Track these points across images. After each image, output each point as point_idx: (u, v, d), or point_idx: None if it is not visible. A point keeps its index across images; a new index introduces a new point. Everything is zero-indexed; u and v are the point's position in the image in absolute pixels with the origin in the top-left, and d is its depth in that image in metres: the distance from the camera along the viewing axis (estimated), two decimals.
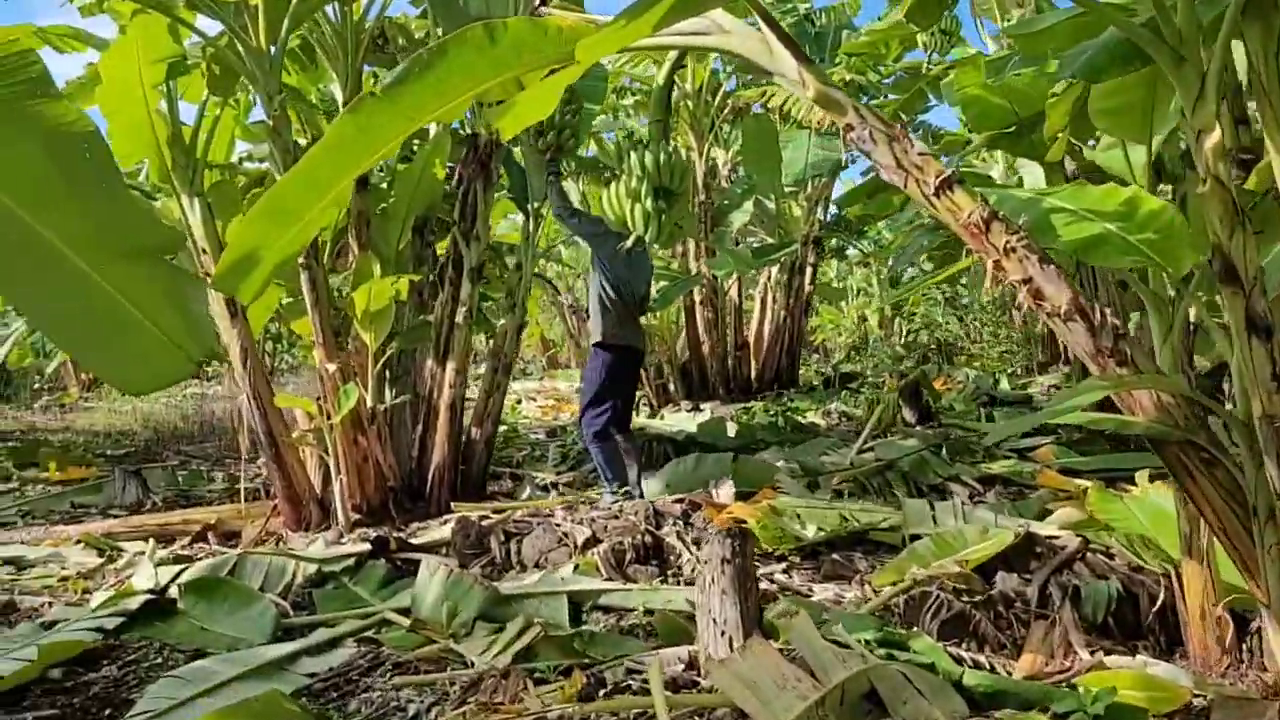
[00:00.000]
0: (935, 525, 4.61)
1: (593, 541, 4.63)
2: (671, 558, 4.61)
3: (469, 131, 6.18)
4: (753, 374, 11.64)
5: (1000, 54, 5.76)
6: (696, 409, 9.39)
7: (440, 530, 5.27)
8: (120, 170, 3.76)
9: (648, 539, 4.64)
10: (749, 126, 10.46)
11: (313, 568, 4.69)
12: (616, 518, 4.92)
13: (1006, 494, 5.45)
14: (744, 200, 10.90)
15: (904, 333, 21.45)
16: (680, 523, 4.87)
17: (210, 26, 5.40)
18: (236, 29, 5.21)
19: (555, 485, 7.06)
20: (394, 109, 2.62)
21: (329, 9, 5.79)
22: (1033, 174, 7.24)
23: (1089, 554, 3.76)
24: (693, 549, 4.61)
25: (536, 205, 6.68)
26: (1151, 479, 5.09)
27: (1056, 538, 4.00)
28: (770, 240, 11.03)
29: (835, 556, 4.37)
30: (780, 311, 11.67)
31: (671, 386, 12.01)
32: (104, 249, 3.22)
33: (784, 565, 4.40)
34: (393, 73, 2.52)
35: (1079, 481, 5.41)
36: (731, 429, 7.57)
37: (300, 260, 5.45)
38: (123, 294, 3.22)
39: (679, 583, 4.39)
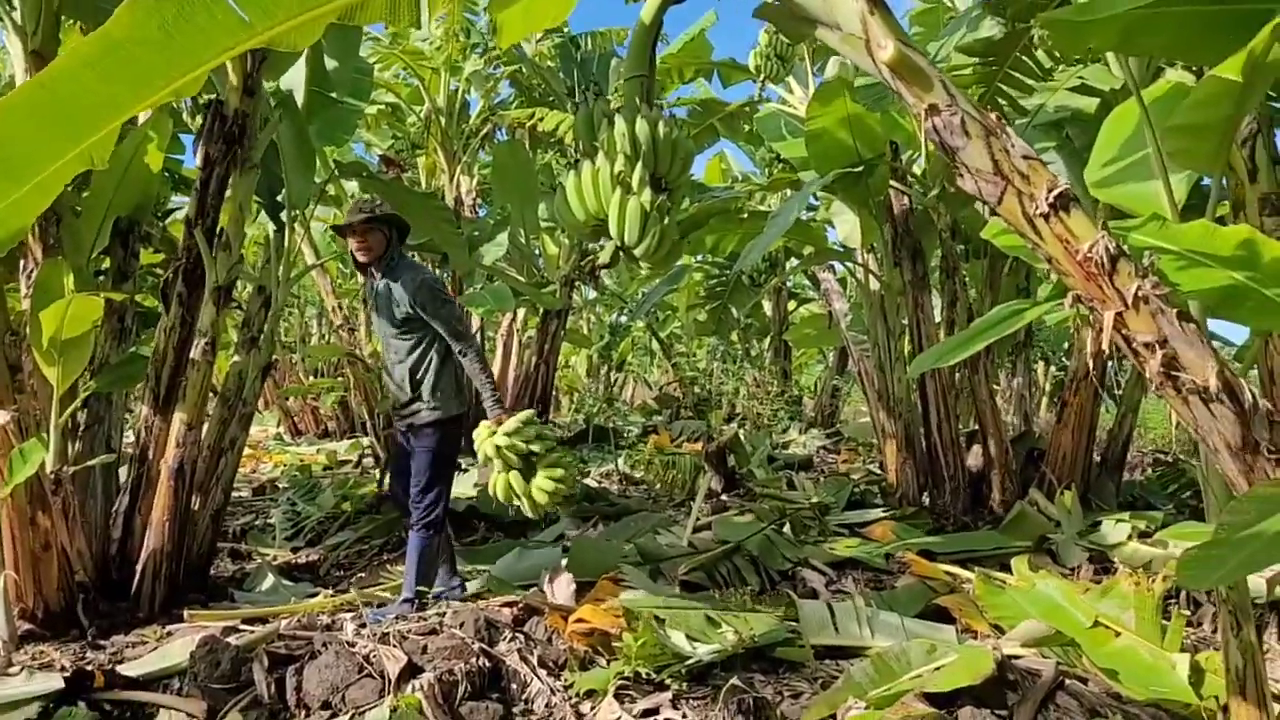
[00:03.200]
0: (837, 633, 3.82)
1: (410, 671, 3.37)
2: (514, 687, 3.47)
3: (211, 98, 4.70)
4: None
5: (870, 81, 5.24)
6: (459, 469, 8.12)
7: (166, 650, 3.75)
8: None
9: (483, 663, 3.46)
10: (501, 152, 9.49)
11: None
12: (436, 631, 3.68)
13: (866, 581, 4.80)
14: (496, 233, 9.83)
15: (612, 382, 21.17)
16: (519, 636, 3.72)
17: None
18: None
19: (297, 569, 5.58)
20: None
21: None
22: (847, 224, 6.85)
23: (1065, 680, 3.09)
24: (542, 675, 3.50)
25: (295, 212, 5.27)
26: (1033, 567, 4.64)
27: (1018, 657, 3.32)
28: (521, 279, 10.02)
29: (735, 681, 3.42)
30: (531, 358, 10.64)
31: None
32: None
33: (669, 694, 3.40)
34: None
35: (941, 567, 4.88)
36: None
37: None
38: None
39: None
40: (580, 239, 2.31)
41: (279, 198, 5.38)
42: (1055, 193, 1.99)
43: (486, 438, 3.95)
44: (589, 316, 20.27)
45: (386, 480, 5.97)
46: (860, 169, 5.63)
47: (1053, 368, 10.90)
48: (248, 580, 5.21)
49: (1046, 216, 2.01)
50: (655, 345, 19.31)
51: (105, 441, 4.95)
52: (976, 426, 6.44)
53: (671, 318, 19.26)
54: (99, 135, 1.97)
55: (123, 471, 4.96)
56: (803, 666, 3.62)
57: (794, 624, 4.02)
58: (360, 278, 6.27)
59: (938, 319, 6.50)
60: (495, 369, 11.39)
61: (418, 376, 4.31)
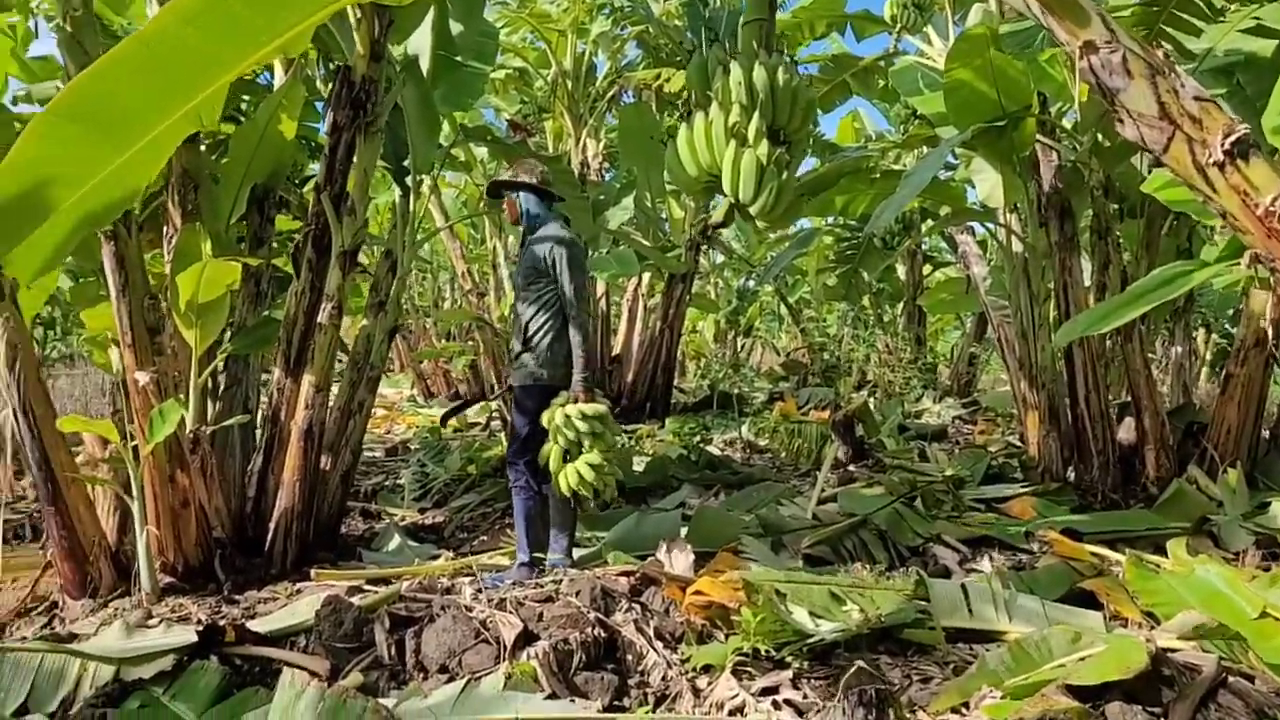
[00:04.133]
0: (970, 616, 3.61)
1: (525, 638, 3.34)
2: (630, 659, 3.40)
3: (338, 64, 4.71)
4: (624, 390, 10.49)
5: (1017, 27, 4.90)
6: None
7: (294, 607, 3.82)
8: None
9: (599, 633, 3.41)
10: (627, 115, 9.36)
11: (108, 671, 3.23)
12: (552, 599, 3.64)
13: (1003, 561, 4.54)
14: (622, 196, 9.76)
15: (739, 348, 20.92)
16: (635, 606, 3.65)
17: None
18: None
19: (423, 530, 5.67)
20: None
21: None
22: (987, 182, 6.48)
23: (1228, 676, 2.82)
24: (659, 647, 3.42)
25: (420, 177, 5.29)
26: (1191, 551, 4.30)
27: (1175, 650, 3.05)
28: (645, 243, 9.92)
29: (860, 663, 3.26)
30: (656, 322, 10.56)
31: None
32: None
33: (789, 673, 3.27)
34: None
35: (1087, 548, 4.57)
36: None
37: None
38: None
39: (645, 698, 3.20)
40: (693, 197, 2.15)
41: (404, 163, 5.41)
42: (1232, 138, 1.74)
43: (559, 406, 4.19)
44: (716, 281, 20.00)
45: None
46: (1004, 123, 5.27)
47: (1214, 335, 10.13)
48: (375, 540, 5.31)
49: (1221, 165, 1.76)
50: (784, 310, 18.98)
51: (243, 402, 5.11)
52: (1129, 398, 6.02)
53: (800, 282, 18.88)
54: (205, 93, 1.94)
55: (259, 432, 5.12)
56: (933, 650, 3.43)
57: (923, 604, 3.83)
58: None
59: (1086, 283, 6.07)
60: (620, 334, 11.38)
61: (530, 333, 4.38)
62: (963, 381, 13.20)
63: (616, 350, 11.07)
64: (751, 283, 19.38)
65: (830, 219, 12.71)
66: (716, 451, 7.13)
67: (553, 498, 4.40)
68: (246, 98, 6.36)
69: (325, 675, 3.29)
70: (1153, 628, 3.71)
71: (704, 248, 10.85)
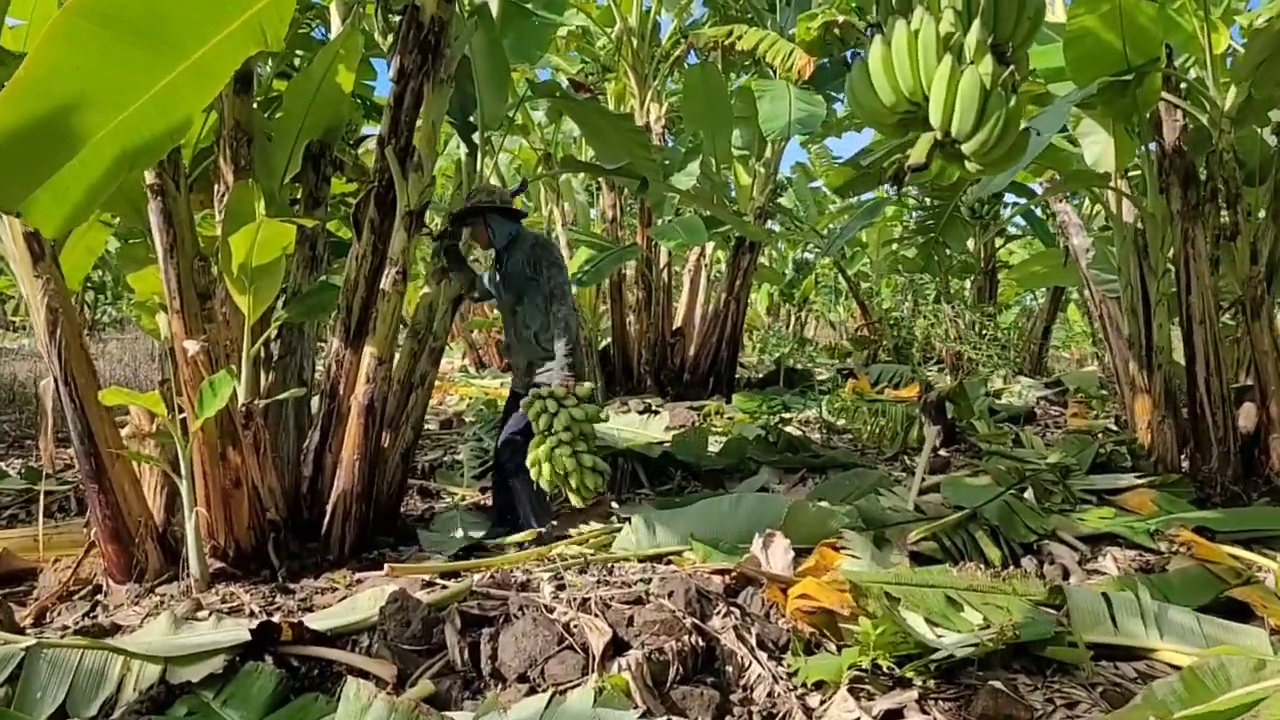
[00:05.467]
0: (1116, 630, 3.18)
1: (615, 645, 2.98)
2: (731, 670, 3.02)
3: (404, 4, 4.31)
4: (686, 364, 10.08)
5: None
6: (649, 409, 7.75)
7: (355, 600, 3.48)
8: None
9: (696, 640, 3.03)
10: (694, 76, 8.89)
11: (154, 671, 2.92)
12: (642, 600, 3.27)
13: (1129, 561, 4.09)
14: (688, 161, 9.30)
15: (792, 321, 20.39)
16: (734, 610, 3.26)
17: None
18: None
19: (485, 510, 5.33)
20: None
21: None
22: (1098, 145, 5.95)
23: None
24: (762, 658, 3.04)
25: (487, 134, 4.90)
26: None
27: None
28: (714, 209, 9.46)
29: (995, 683, 2.86)
30: (721, 294, 10.11)
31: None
32: None
33: (914, 692, 2.87)
34: None
35: (1224, 549, 4.11)
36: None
37: (149, 178, 3.54)
38: None
39: (750, 717, 2.83)
40: (882, 131, 1.72)
41: (471, 118, 5.03)
42: None
43: (545, 400, 4.40)
44: (770, 253, 19.46)
45: None
46: (1129, 77, 4.76)
47: None
48: (435, 520, 4.99)
49: None
50: (842, 283, 18.40)
51: (297, 374, 4.79)
52: (1249, 381, 5.50)
53: (860, 254, 18.28)
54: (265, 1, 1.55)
55: (314, 404, 4.81)
56: (1076, 670, 3.01)
57: (1053, 612, 3.41)
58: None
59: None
60: (682, 306, 10.95)
61: (545, 338, 4.66)
62: (1035, 360, 12.62)
63: (678, 323, 10.65)
64: (809, 254, 18.82)
65: (890, 190, 12.15)
66: (795, 432, 6.70)
67: (529, 489, 4.61)
68: (301, 53, 6.02)
69: (392, 681, 2.95)
70: None
71: (769, 215, 10.33)
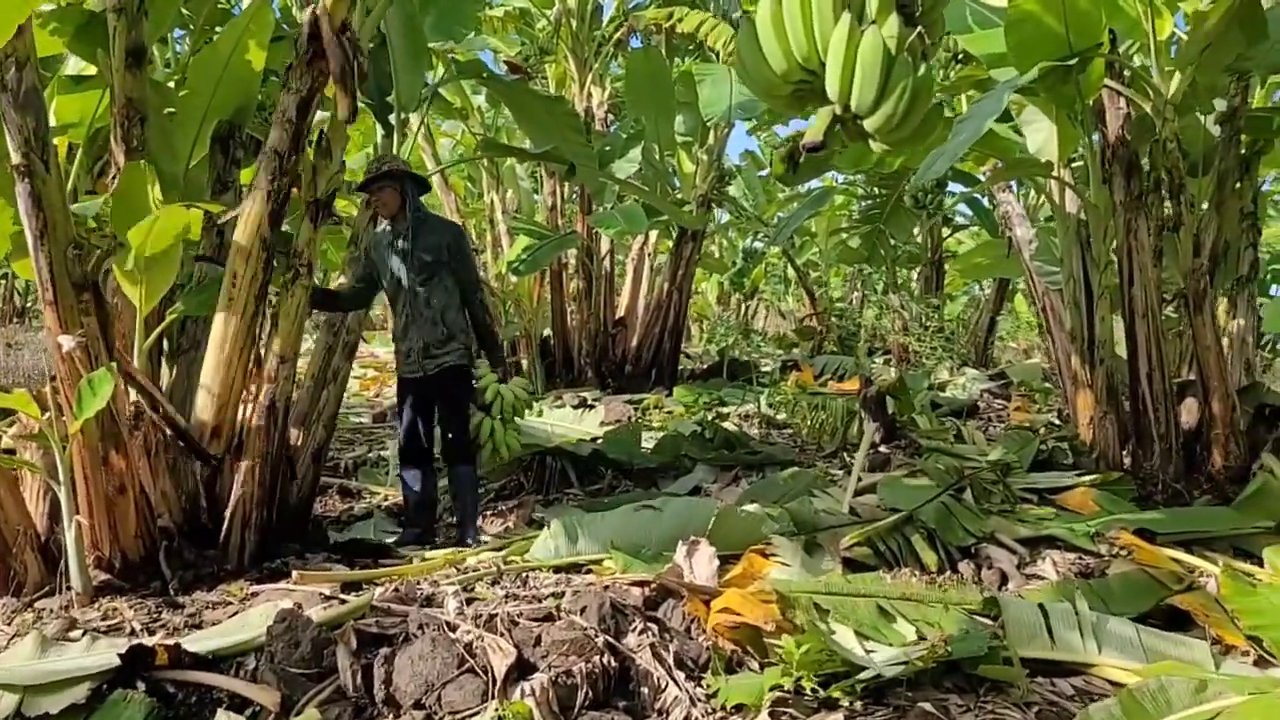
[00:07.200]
0: (1053, 643, 3.02)
1: (519, 668, 2.75)
2: (646, 692, 2.81)
3: None
4: (629, 356, 9.85)
5: None
6: (584, 404, 7.50)
7: (247, 616, 3.22)
8: None
9: (608, 660, 2.82)
10: (636, 60, 8.67)
11: (11, 701, 2.66)
12: (552, 617, 3.05)
13: (1068, 565, 3.96)
14: (630, 148, 9.06)
15: (745, 312, 20.27)
16: (651, 625, 3.05)
17: None
18: None
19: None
20: None
21: None
22: (1040, 133, 5.82)
23: None
24: (680, 678, 2.83)
25: (404, 115, 4.63)
26: None
27: None
28: (652, 196, 9.23)
29: (925, 705, 2.69)
30: (663, 284, 9.90)
31: (524, 365, 10.06)
32: None
33: (840, 715, 2.69)
34: None
35: (1165, 552, 3.99)
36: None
37: (16, 158, 3.24)
38: None
39: None
40: (775, 106, 1.50)
41: (388, 98, 4.75)
42: None
43: (494, 380, 4.69)
44: (720, 241, 19.24)
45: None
46: (1072, 62, 4.61)
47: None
48: (352, 526, 4.74)
49: None
50: (791, 273, 18.28)
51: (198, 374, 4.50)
52: (1190, 376, 5.42)
53: (809, 243, 18.16)
54: None
55: None
56: (1010, 688, 2.85)
57: (988, 621, 3.26)
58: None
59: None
60: (625, 296, 10.72)
61: (449, 318, 4.58)
62: (980, 352, 12.57)
63: (620, 313, 10.42)
64: (759, 243, 18.67)
65: (838, 177, 11.97)
66: (732, 427, 6.51)
67: (464, 479, 4.65)
68: (219, 29, 5.70)
69: (274, 710, 2.70)
70: (1262, 657, 3.14)
71: (712, 204, 10.13)
